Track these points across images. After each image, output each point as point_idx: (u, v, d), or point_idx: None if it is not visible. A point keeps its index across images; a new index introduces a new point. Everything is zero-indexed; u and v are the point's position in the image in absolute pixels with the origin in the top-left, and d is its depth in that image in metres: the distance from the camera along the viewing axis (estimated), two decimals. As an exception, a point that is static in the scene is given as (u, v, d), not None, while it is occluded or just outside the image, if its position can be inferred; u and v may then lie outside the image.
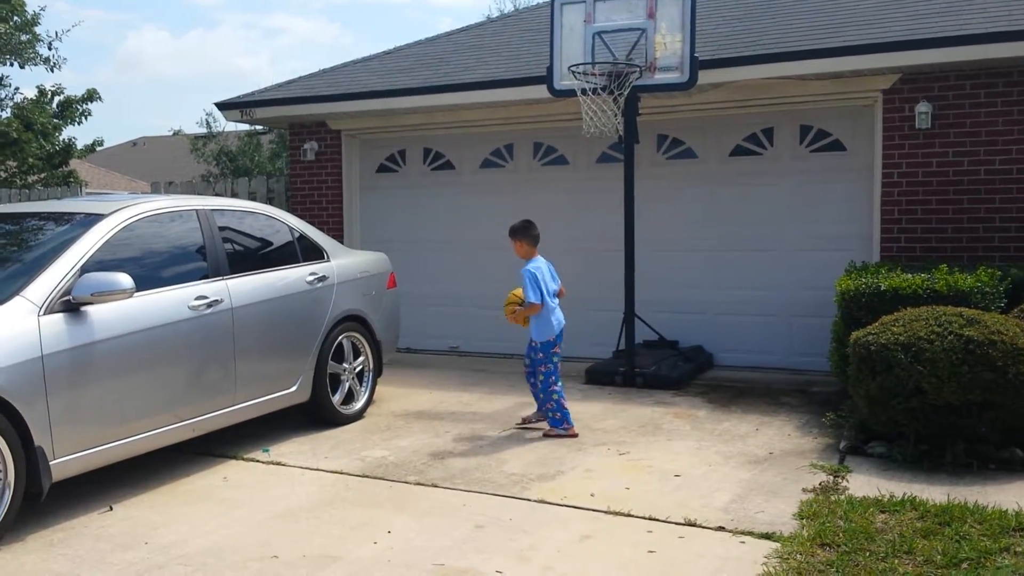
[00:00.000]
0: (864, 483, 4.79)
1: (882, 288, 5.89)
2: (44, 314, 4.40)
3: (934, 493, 4.57)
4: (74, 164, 19.72)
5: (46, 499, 4.34)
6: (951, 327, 5.09)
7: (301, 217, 8.09)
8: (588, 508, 4.51)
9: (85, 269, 4.66)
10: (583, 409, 6.68)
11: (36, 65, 15.64)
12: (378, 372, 6.81)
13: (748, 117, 8.16)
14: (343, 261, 6.66)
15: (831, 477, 4.91)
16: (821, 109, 7.87)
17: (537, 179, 9.09)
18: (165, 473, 5.21)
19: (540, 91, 7.82)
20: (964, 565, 3.70)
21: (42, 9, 16.43)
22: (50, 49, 15.82)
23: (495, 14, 25.78)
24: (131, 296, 4.70)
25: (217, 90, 75.82)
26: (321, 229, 7.82)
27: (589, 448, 5.63)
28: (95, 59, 78.42)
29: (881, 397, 5.16)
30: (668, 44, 7.16)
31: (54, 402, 4.33)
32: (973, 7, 7.50)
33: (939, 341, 5.03)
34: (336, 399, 6.36)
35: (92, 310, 4.60)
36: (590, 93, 7.20)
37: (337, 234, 9.46)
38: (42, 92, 17.78)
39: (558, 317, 6.09)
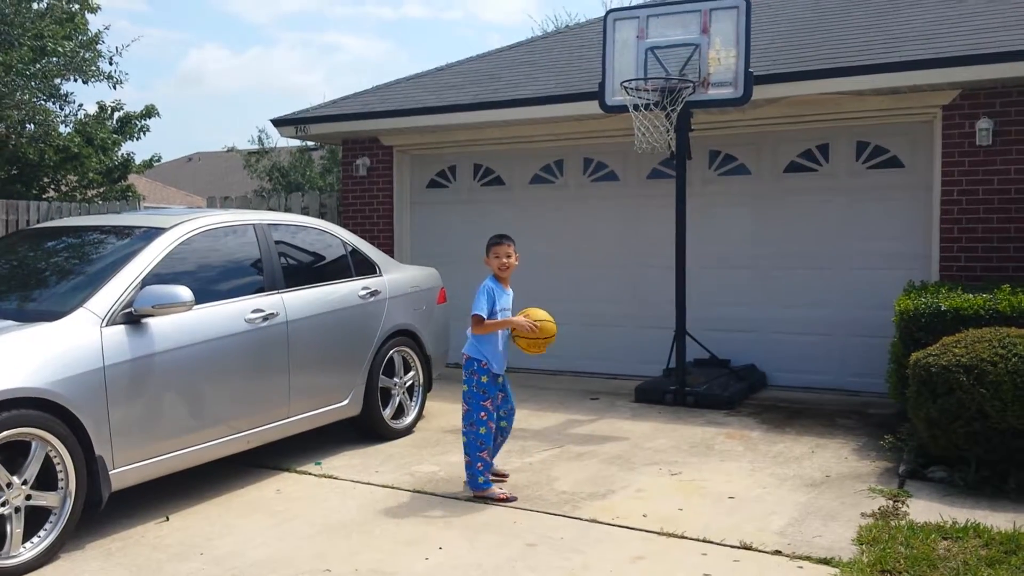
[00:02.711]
0: (925, 508, 4.67)
1: (943, 308, 5.76)
2: (106, 326, 4.49)
3: (998, 520, 4.44)
4: (132, 179, 20.18)
5: (104, 508, 4.42)
6: (1015, 349, 4.96)
7: (353, 232, 8.17)
8: (641, 529, 4.46)
9: (146, 282, 4.75)
10: (633, 427, 6.62)
11: (99, 81, 16.01)
12: (428, 387, 6.83)
13: (803, 133, 8.06)
14: (395, 276, 6.70)
15: (890, 502, 4.80)
16: (878, 125, 7.74)
17: (587, 195, 9.07)
18: (220, 484, 5.27)
19: (591, 107, 7.81)
20: (1033, 596, 3.58)
21: (106, 27, 16.81)
22: (111, 65, 16.22)
23: (539, 31, 25.89)
24: (190, 309, 4.78)
25: (273, 106, 77.27)
26: (372, 244, 7.88)
27: (640, 467, 5.58)
28: (157, 75, 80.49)
29: (942, 420, 5.04)
30: (722, 59, 7.10)
31: (115, 412, 4.42)
32: (1036, 21, 7.34)
33: (1003, 363, 4.90)
34: (387, 413, 6.39)
35: (152, 322, 4.69)
36: (642, 109, 7.17)
37: (387, 248, 9.54)
38: (102, 108, 18.23)
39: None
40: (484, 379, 5.05)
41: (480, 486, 5.00)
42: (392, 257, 8.32)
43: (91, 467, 4.31)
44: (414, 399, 6.69)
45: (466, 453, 5.06)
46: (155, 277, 4.83)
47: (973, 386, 4.91)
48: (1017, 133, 7.05)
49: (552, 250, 9.12)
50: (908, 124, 7.63)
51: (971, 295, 5.88)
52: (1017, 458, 4.94)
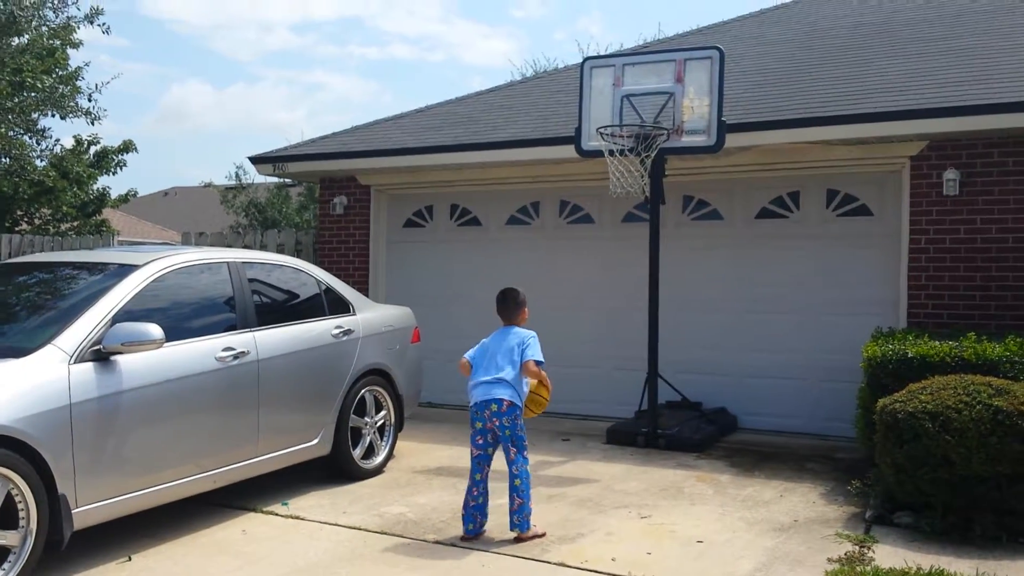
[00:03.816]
0: (891, 554, 4.69)
1: (909, 355, 5.84)
2: (75, 363, 4.46)
3: (962, 566, 4.47)
4: (107, 213, 20.08)
5: (66, 548, 4.35)
6: (979, 396, 5.03)
7: (328, 270, 8.18)
8: (609, 573, 4.45)
9: (116, 319, 4.73)
10: (604, 469, 6.62)
11: (77, 117, 16.01)
12: (399, 427, 6.80)
13: (774, 180, 8.20)
14: (368, 315, 6.71)
15: (857, 547, 4.82)
16: (848, 174, 7.89)
17: (563, 237, 9.15)
18: (184, 524, 5.21)
19: (567, 151, 7.92)
20: (995, 644, 3.60)
21: (86, 64, 16.94)
22: (90, 101, 16.22)
23: (519, 76, 26.19)
24: (160, 347, 4.76)
25: (254, 142, 77.40)
26: (347, 282, 7.89)
27: (610, 510, 5.57)
28: (138, 110, 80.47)
29: (908, 466, 5.08)
30: (695, 108, 7.24)
31: (80, 451, 4.37)
32: (1000, 75, 7.54)
33: (967, 411, 4.96)
34: (357, 453, 6.35)
35: (121, 359, 4.66)
36: (617, 154, 7.28)
37: (363, 287, 9.54)
38: (79, 142, 18.19)
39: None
40: (522, 421, 5.10)
41: (530, 526, 5.00)
42: (367, 296, 8.33)
43: (53, 506, 4.25)
44: (385, 439, 6.66)
45: (519, 496, 4.98)
46: (126, 314, 4.80)
47: (938, 433, 4.96)
48: (983, 184, 7.22)
49: (527, 291, 9.10)
50: (877, 174, 7.79)
51: (937, 342, 5.97)
52: (982, 504, 4.99)
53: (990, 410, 4.93)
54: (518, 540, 4.93)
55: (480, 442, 5.09)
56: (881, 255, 7.77)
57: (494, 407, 5.01)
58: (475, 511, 5.04)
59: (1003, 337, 6.16)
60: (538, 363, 5.09)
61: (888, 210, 7.78)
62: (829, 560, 4.61)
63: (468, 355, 5.27)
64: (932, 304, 7.36)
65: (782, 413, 8.07)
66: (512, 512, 4.98)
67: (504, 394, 5.01)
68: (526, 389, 5.15)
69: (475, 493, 5.05)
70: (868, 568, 4.44)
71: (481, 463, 5.09)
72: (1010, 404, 4.93)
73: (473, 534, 5.02)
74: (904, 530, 5.09)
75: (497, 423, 5.02)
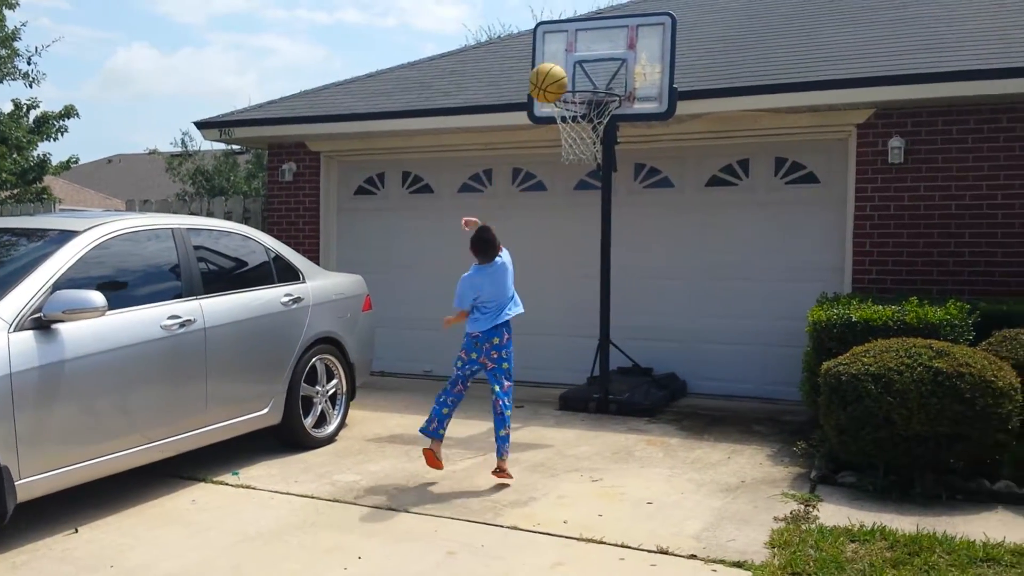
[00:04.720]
0: (834, 512, 4.82)
1: (853, 319, 5.96)
2: (14, 331, 4.34)
3: (903, 523, 4.61)
4: (48, 180, 19.54)
5: (10, 521, 4.26)
6: (921, 359, 5.15)
7: (277, 238, 8.07)
8: (561, 535, 4.50)
9: (57, 286, 4.61)
10: (556, 435, 6.67)
11: (15, 80, 15.51)
12: (351, 395, 6.77)
13: (724, 148, 8.26)
14: (319, 283, 6.64)
15: (802, 506, 4.94)
16: (796, 142, 7.98)
17: (515, 204, 9.13)
18: (133, 495, 5.14)
19: (520, 118, 7.88)
20: (932, 596, 3.72)
21: (23, 24, 16.36)
22: (29, 64, 15.71)
23: (474, 42, 25.92)
24: (103, 314, 4.65)
25: (204, 108, 75.50)
26: (297, 250, 7.79)
27: (562, 474, 5.62)
28: (81, 75, 78.04)
29: (851, 427, 5.20)
30: (648, 75, 7.24)
31: (21, 421, 4.27)
32: (947, 45, 7.67)
33: (909, 372, 5.09)
34: (308, 422, 6.31)
35: (63, 328, 4.55)
36: (569, 121, 7.26)
37: (313, 255, 9.43)
38: (17, 106, 17.62)
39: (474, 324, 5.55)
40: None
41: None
42: (318, 264, 8.24)
43: (-5, 477, 4.16)
44: (337, 408, 6.62)
45: (506, 426, 5.46)
46: (68, 282, 4.69)
47: (880, 394, 5.08)
48: (927, 152, 7.35)
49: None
50: (824, 141, 7.89)
51: (880, 306, 6.10)
52: (922, 463, 5.13)
53: (931, 371, 5.06)
54: (500, 470, 5.38)
55: (471, 358, 5.50)
56: (827, 222, 7.89)
57: (504, 336, 5.49)
58: (442, 417, 5.48)
59: (944, 301, 6.32)
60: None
61: (834, 177, 7.89)
62: (775, 519, 4.72)
63: (464, 304, 5.61)
64: (876, 270, 7.51)
65: (731, 377, 8.20)
66: (499, 439, 5.43)
67: (510, 316, 5.56)
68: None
69: (449, 402, 5.52)
70: (813, 526, 4.56)
71: (464, 382, 5.55)
72: (950, 366, 5.07)
73: (433, 435, 5.44)
74: (848, 489, 5.23)
75: (496, 356, 5.47)
